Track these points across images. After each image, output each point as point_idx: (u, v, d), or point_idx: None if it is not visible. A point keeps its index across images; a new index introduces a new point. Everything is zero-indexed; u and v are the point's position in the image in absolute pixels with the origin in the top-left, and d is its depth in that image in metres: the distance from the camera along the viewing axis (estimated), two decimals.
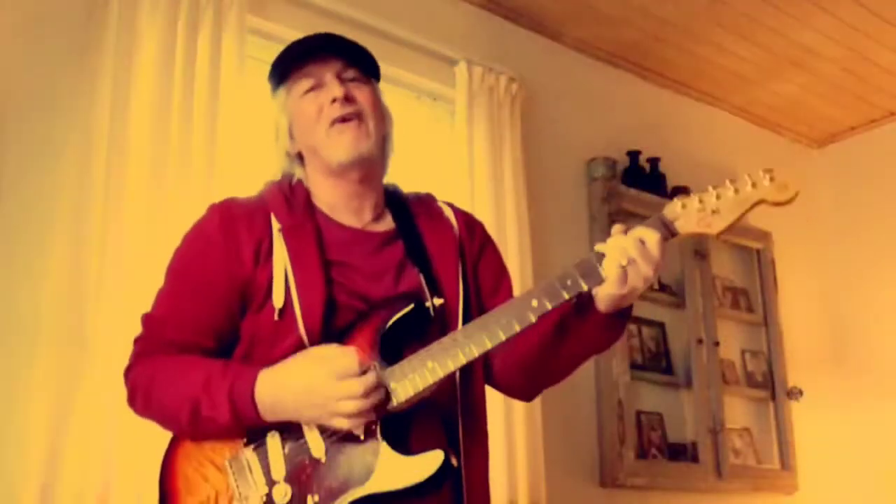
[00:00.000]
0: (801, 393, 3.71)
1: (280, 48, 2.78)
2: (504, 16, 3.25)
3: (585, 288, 1.27)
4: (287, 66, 1.47)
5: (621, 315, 1.33)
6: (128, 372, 1.40)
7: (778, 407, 3.71)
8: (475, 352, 1.27)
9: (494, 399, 1.54)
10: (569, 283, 1.28)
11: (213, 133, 2.30)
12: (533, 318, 1.27)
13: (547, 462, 2.75)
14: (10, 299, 2.04)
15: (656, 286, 3.44)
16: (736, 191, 1.26)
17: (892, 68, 3.69)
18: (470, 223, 1.56)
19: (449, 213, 1.55)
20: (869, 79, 3.78)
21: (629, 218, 3.36)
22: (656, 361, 3.39)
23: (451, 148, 2.88)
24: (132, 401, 1.39)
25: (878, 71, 3.71)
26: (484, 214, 2.78)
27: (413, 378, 1.27)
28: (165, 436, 1.43)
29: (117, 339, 2.03)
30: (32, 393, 1.96)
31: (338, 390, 1.22)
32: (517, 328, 1.28)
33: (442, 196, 1.64)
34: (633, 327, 3.33)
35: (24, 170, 2.12)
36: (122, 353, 1.98)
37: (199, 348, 1.37)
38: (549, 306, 1.27)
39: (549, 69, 3.37)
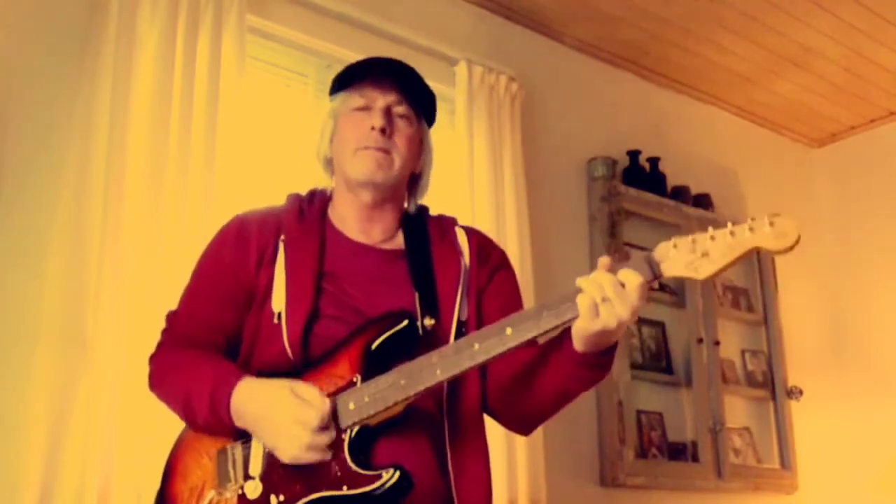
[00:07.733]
0: (801, 392, 3.71)
1: (280, 48, 2.81)
2: (504, 16, 3.25)
3: (559, 321, 1.24)
4: (350, 78, 1.56)
5: (602, 354, 1.30)
6: (151, 358, 1.51)
7: (778, 406, 3.70)
8: (443, 375, 1.28)
9: None
10: (544, 314, 1.25)
11: (213, 133, 2.30)
12: (505, 347, 1.25)
13: (547, 462, 2.75)
14: (10, 299, 2.04)
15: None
16: (732, 234, 1.19)
17: (892, 68, 3.69)
18: (484, 251, 1.56)
19: (463, 239, 1.56)
20: (869, 79, 3.78)
21: (629, 217, 3.36)
22: (656, 361, 3.39)
23: (451, 148, 2.88)
24: (150, 384, 1.49)
25: (878, 71, 3.71)
26: (484, 214, 2.78)
27: (382, 396, 1.29)
28: (164, 435, 1.48)
29: (117, 339, 2.04)
30: (32, 392, 1.96)
31: (288, 430, 1.28)
32: (489, 355, 1.26)
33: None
34: (633, 327, 3.33)
35: (25, 170, 2.12)
36: (122, 353, 2.01)
37: (211, 343, 1.46)
38: (526, 336, 1.25)
39: (549, 69, 3.37)
